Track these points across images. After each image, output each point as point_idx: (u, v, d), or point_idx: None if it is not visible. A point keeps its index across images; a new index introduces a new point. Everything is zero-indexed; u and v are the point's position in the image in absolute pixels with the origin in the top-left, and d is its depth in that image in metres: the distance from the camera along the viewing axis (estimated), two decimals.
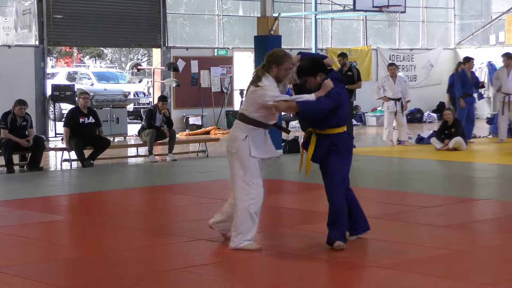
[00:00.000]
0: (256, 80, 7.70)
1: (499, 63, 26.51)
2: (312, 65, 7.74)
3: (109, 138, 17.00)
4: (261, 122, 7.73)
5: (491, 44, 28.76)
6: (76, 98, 20.90)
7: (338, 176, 7.69)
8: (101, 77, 29.80)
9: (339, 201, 7.68)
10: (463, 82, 19.41)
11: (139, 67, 27.20)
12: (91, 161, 15.38)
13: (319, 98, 7.52)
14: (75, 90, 22.02)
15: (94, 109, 16.90)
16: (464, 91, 19.34)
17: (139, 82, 30.62)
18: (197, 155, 17.43)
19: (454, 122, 17.73)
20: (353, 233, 7.99)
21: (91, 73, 30.36)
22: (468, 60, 19.75)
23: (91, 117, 15.73)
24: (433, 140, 17.90)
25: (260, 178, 7.77)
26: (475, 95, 20.89)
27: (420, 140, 19.37)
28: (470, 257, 7.41)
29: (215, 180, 13.38)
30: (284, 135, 18.76)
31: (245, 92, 8.12)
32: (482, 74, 27.29)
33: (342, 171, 7.74)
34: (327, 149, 7.69)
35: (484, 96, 26.13)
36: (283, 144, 17.52)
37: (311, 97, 7.57)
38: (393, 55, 28.01)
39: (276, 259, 7.47)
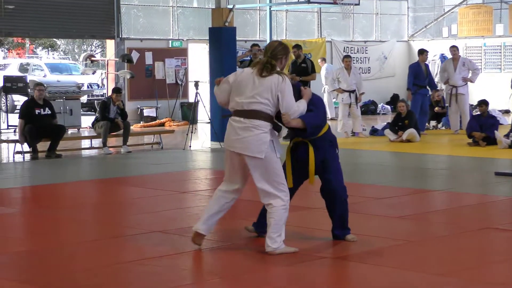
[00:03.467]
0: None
1: None
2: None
3: None
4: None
5: (444, 37, 29.00)
6: (29, 90, 20.70)
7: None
8: (54, 68, 29.48)
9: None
10: (416, 74, 19.55)
11: (92, 58, 27.02)
12: (58, 153, 15.31)
13: (312, 113, 7.35)
14: (28, 81, 21.75)
15: (50, 101, 16.73)
16: (417, 83, 19.47)
17: (93, 73, 30.39)
18: (152, 147, 17.36)
19: (408, 114, 17.86)
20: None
21: (43, 64, 29.98)
22: (422, 52, 19.88)
23: (47, 109, 15.56)
24: (387, 131, 18.03)
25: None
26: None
27: (374, 131, 19.49)
28: (423, 248, 7.47)
29: (170, 172, 13.33)
30: None
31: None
32: (435, 67, 27.52)
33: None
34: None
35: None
36: None
37: (302, 103, 7.30)
38: (347, 47, 28.12)
39: (229, 252, 7.46)
